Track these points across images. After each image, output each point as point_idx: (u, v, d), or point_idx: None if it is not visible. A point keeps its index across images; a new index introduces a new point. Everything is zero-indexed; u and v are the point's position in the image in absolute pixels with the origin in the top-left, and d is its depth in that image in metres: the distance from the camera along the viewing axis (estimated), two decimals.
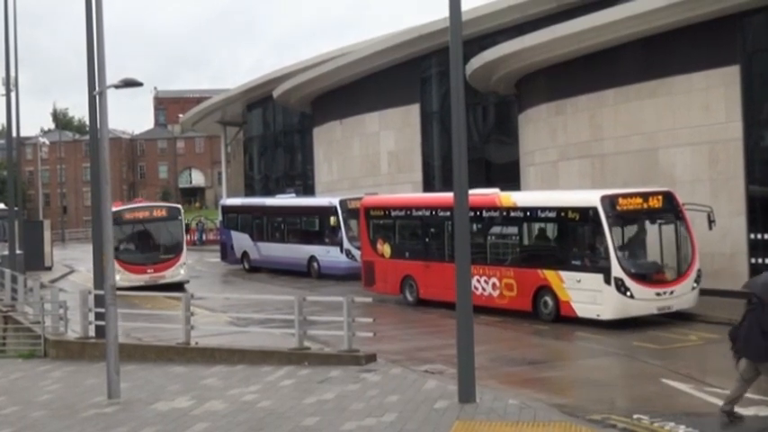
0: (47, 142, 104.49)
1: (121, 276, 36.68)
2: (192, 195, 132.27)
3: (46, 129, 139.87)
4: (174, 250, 40.79)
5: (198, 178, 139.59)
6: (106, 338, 18.07)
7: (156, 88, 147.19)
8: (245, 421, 15.26)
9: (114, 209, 39.41)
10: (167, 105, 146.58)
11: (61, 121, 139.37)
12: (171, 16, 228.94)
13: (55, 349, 24.67)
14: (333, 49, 56.64)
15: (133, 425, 15.42)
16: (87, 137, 36.57)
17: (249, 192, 68.97)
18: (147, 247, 40.97)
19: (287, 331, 22.20)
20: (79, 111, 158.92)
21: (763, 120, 29.19)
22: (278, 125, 66.33)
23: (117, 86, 19.54)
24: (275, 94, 57.80)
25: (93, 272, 26.14)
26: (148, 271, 39.60)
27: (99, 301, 22.92)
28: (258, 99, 65.15)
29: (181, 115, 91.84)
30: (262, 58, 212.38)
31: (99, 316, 23.02)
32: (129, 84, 19.72)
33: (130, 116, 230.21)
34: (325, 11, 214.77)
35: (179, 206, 43.49)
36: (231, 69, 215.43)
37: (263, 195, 59.10)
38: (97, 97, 19.23)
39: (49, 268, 53.10)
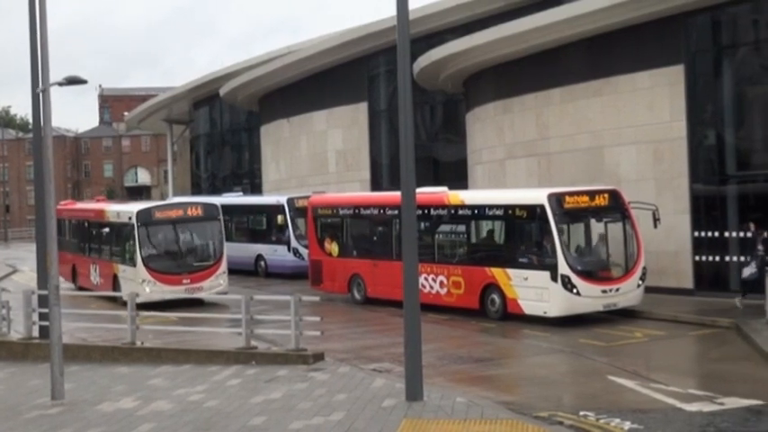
0: None
1: (152, 288, 31.87)
2: (138, 194, 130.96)
3: None
4: (213, 256, 33.74)
5: (144, 177, 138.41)
6: (50, 339, 17.87)
7: (100, 86, 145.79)
8: (191, 421, 15.16)
9: (141, 207, 34.17)
10: (112, 103, 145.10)
11: (3, 119, 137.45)
12: (130, 14, 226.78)
13: None
14: (281, 46, 56.42)
15: (78, 426, 15.25)
16: (30, 135, 35.41)
17: (196, 190, 68.52)
18: (181, 252, 33.78)
19: (234, 330, 22.10)
20: (22, 109, 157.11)
21: (706, 119, 29.54)
22: (225, 123, 65.98)
23: (61, 84, 19.30)
24: (222, 92, 57.48)
25: (36, 272, 25.81)
26: (184, 281, 32.59)
27: (43, 301, 22.62)
28: (205, 97, 64.76)
29: (126, 113, 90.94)
30: (218, 56, 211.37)
31: (43, 316, 22.73)
32: (73, 81, 19.47)
33: (75, 114, 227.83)
34: (283, 9, 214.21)
35: (217, 204, 35.97)
36: (186, 67, 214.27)
37: (210, 194, 58.72)
38: (41, 95, 18.98)
39: None
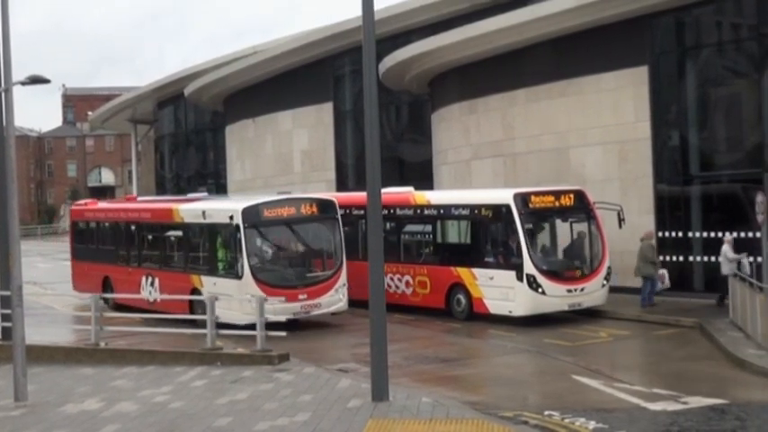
0: None
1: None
2: (102, 194, 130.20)
3: None
4: (333, 264, 27.52)
5: (108, 177, 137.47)
6: (13, 340, 17.71)
7: (64, 85, 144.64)
8: (156, 422, 15.07)
9: (246, 204, 27.19)
10: (76, 103, 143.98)
11: None
12: (102, 15, 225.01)
13: None
14: (246, 46, 56.17)
15: (41, 427, 15.13)
16: None
17: (160, 191, 68.06)
18: (295, 260, 27.91)
19: (199, 331, 21.99)
20: None
21: (670, 119, 29.75)
22: (190, 123, 65.55)
23: (23, 83, 19.10)
24: (186, 91, 57.11)
25: None
26: (300, 296, 26.18)
27: (4, 302, 22.39)
28: (169, 97, 64.27)
29: (90, 113, 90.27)
30: (189, 57, 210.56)
31: (5, 317, 22.52)
32: (36, 80, 19.28)
33: (38, 114, 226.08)
34: (256, 11, 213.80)
35: (334, 199, 28.80)
36: (157, 68, 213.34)
37: (175, 194, 58.37)
38: (3, 94, 18.81)
39: None
